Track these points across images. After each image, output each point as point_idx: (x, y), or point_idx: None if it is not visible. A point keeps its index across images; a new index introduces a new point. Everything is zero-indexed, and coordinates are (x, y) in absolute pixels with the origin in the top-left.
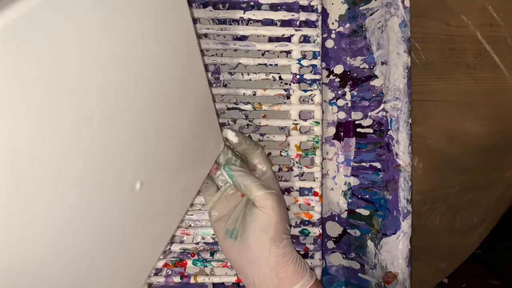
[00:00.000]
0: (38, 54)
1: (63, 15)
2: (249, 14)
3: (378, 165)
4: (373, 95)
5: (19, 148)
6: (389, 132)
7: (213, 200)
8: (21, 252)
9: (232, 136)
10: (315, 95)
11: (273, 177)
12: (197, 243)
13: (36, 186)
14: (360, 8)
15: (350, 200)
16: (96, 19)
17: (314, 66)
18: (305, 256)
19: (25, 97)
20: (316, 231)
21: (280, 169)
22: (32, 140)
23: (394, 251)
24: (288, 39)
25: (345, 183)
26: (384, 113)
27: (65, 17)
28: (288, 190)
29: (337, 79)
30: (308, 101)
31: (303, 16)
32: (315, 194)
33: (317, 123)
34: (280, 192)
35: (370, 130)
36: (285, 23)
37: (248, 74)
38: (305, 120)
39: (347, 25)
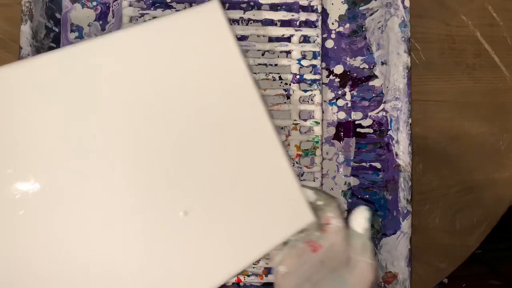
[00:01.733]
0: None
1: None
2: (249, 14)
3: (378, 165)
4: (373, 95)
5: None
6: (389, 132)
7: (282, 254)
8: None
9: (310, 195)
10: (315, 95)
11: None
12: None
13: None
14: (360, 8)
15: (350, 200)
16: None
17: (314, 66)
18: None
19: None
20: None
21: None
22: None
23: (394, 251)
24: (288, 39)
25: (345, 183)
26: (384, 113)
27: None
28: None
29: (337, 79)
30: (308, 101)
31: (303, 16)
32: None
33: (317, 123)
34: None
35: (370, 130)
36: (285, 23)
37: None
38: (305, 120)
39: (347, 25)
